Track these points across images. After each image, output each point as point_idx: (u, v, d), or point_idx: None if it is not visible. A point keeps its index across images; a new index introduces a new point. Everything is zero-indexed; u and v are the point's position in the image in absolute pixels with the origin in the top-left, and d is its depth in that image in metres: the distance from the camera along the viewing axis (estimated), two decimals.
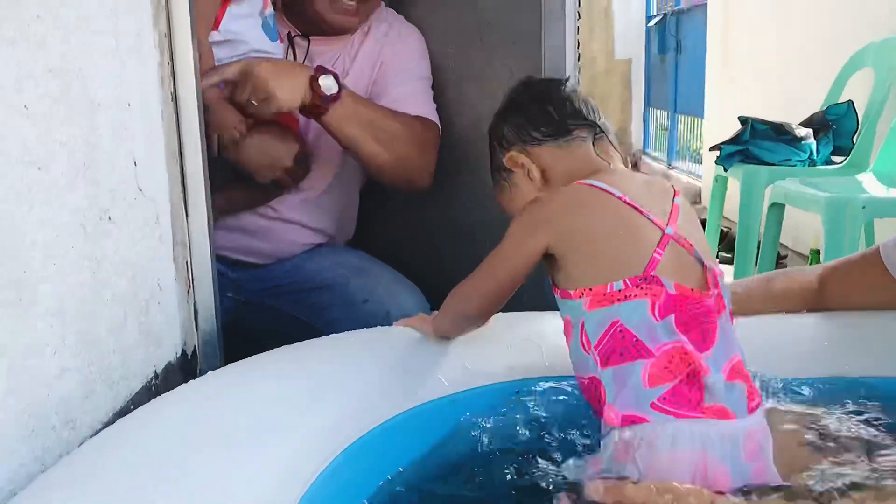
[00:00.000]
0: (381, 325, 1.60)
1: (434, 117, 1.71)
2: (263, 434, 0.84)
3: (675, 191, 1.09)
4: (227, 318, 1.53)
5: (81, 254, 0.94)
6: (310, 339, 1.69)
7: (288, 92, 1.47)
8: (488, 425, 1.10)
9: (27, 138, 0.83)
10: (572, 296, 1.01)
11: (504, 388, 1.15)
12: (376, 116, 1.58)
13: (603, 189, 1.04)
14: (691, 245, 1.02)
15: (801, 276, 1.36)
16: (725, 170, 2.90)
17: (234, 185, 1.62)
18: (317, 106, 1.51)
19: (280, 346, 1.69)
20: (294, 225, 1.74)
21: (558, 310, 1.06)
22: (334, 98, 1.50)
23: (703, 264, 1.02)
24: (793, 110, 3.20)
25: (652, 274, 0.98)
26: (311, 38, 1.66)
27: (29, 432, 0.83)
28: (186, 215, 1.24)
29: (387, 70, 1.71)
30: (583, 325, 1.01)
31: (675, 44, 6.09)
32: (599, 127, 1.12)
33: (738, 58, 4.48)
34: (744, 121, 2.92)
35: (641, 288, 0.97)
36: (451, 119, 1.76)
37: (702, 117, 5.34)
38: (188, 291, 1.25)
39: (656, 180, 1.14)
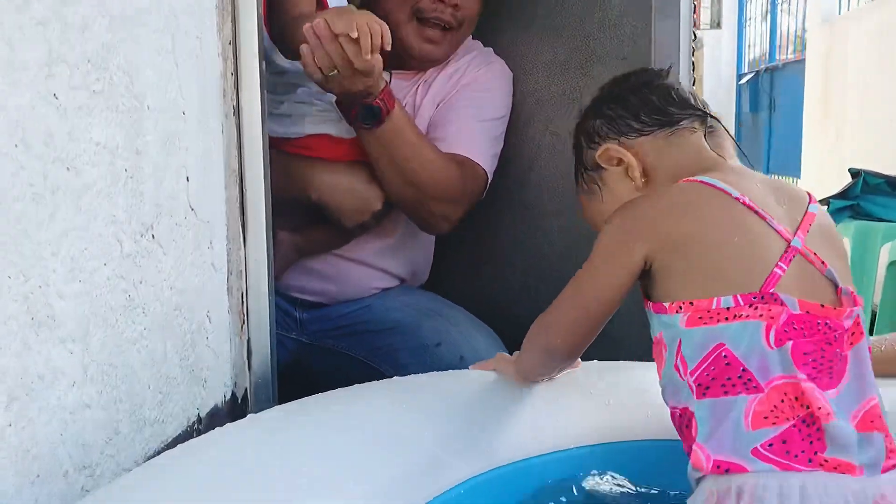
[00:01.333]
0: (455, 369, 1.46)
1: (485, 163, 1.55)
2: (306, 496, 0.68)
3: (810, 197, 0.91)
4: (286, 360, 1.41)
5: (116, 272, 0.82)
6: None
7: (340, 93, 1.35)
8: (576, 496, 0.92)
9: (55, 132, 0.72)
10: (668, 309, 0.85)
11: (596, 452, 0.97)
12: (412, 156, 1.44)
13: (717, 188, 0.87)
14: (823, 262, 0.84)
15: None
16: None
17: (315, 225, 1.51)
18: (347, 115, 1.41)
19: None
20: (367, 267, 1.61)
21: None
22: (366, 128, 1.38)
23: (837, 286, 0.84)
24: None
25: (771, 291, 0.81)
26: (392, 71, 1.54)
27: (33, 477, 0.70)
28: (244, 243, 1.12)
29: (452, 103, 1.59)
30: (679, 346, 0.84)
31: (768, 101, 5.87)
32: (712, 115, 0.96)
33: (842, 113, 4.23)
34: (855, 173, 2.69)
35: (755, 307, 0.81)
36: (542, 150, 1.61)
37: (797, 176, 5.08)
38: (242, 327, 1.13)
39: (786, 184, 0.97)
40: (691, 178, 0.89)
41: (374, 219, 1.50)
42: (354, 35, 1.21)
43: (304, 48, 1.24)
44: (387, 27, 1.24)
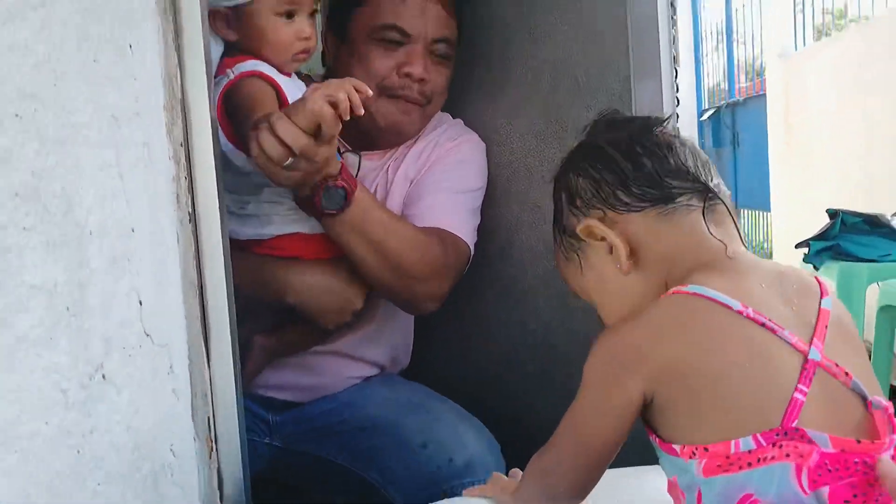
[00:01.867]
0: (445, 474, 1.35)
1: (467, 236, 1.46)
2: None
3: (821, 287, 0.81)
4: (259, 468, 1.29)
5: (61, 428, 0.72)
6: (360, 491, 1.43)
7: (295, 185, 1.23)
8: None
9: None
10: (679, 454, 0.75)
11: None
12: (388, 235, 1.33)
13: (715, 301, 0.75)
14: (848, 374, 0.74)
15: None
16: (816, 268, 2.62)
17: (289, 326, 1.41)
18: (313, 209, 1.28)
19: (326, 500, 1.43)
20: (344, 358, 1.51)
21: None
22: (332, 213, 1.27)
23: (865, 399, 0.74)
24: (876, 199, 2.94)
25: (794, 426, 0.70)
26: (361, 153, 1.44)
27: None
28: (208, 361, 1.01)
29: (426, 178, 1.50)
30: (699, 496, 0.74)
31: (731, 136, 5.89)
32: (712, 190, 0.83)
33: (807, 146, 4.24)
34: (833, 213, 2.65)
35: (780, 446, 0.70)
36: (521, 223, 1.53)
37: (767, 210, 5.08)
38: (210, 454, 1.02)
39: (791, 272, 0.83)
40: (683, 290, 0.77)
41: (355, 317, 1.41)
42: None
43: (252, 144, 1.14)
44: (361, 85, 1.15)
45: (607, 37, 1.32)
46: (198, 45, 0.99)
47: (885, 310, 2.25)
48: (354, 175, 1.31)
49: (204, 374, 1.01)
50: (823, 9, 4.37)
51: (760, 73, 5.16)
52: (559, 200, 0.91)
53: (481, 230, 1.51)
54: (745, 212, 5.75)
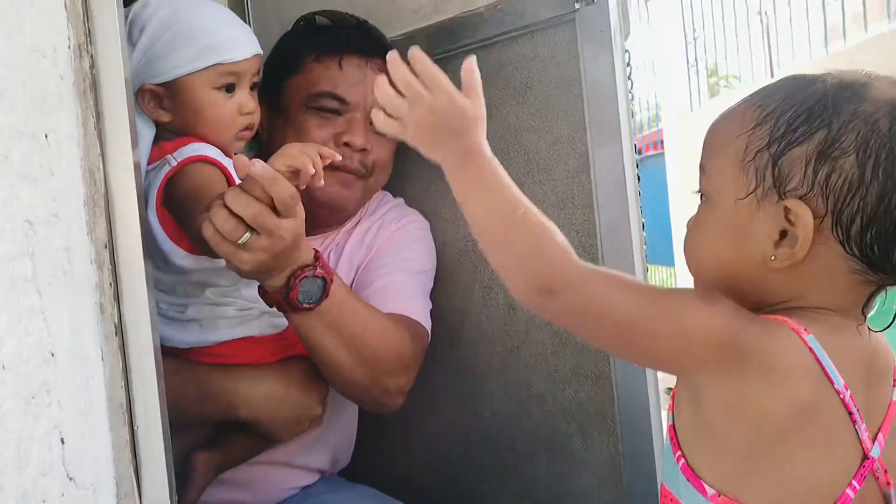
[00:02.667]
0: None
1: (425, 321, 1.35)
2: None
3: (895, 373, 0.76)
4: None
5: None
6: None
7: (262, 275, 1.06)
8: None
9: None
10: (707, 496, 0.70)
11: None
12: (363, 328, 1.19)
13: (825, 371, 0.68)
14: (889, 482, 0.70)
15: None
16: None
17: (232, 436, 1.24)
18: (279, 303, 1.10)
19: None
20: (286, 468, 1.35)
21: None
22: (307, 308, 1.11)
23: None
24: None
25: None
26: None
27: None
28: (140, 496, 0.86)
29: (377, 257, 1.39)
30: None
31: None
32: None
33: None
34: None
35: None
36: (472, 304, 1.44)
37: (672, 265, 5.18)
38: None
39: (883, 352, 0.76)
40: (802, 333, 0.69)
41: (312, 425, 1.26)
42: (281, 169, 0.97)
43: (204, 224, 0.99)
44: (327, 151, 1.02)
45: (560, 112, 1.26)
46: (124, 129, 0.86)
47: None
48: None
49: None
50: (707, 69, 4.56)
51: (659, 141, 5.31)
52: (752, 156, 0.74)
53: (431, 314, 1.40)
54: (652, 267, 5.87)
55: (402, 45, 1.46)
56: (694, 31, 4.62)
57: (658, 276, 5.78)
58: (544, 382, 1.35)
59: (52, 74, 0.78)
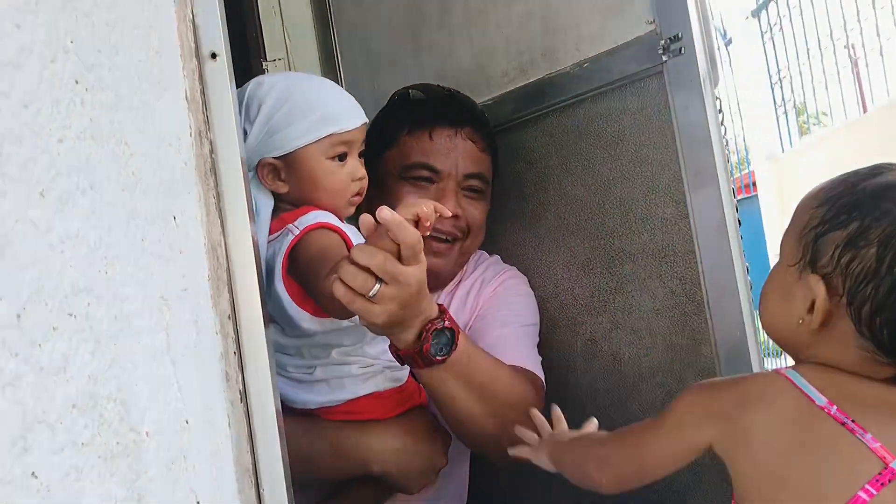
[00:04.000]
0: None
1: (540, 373, 1.38)
2: None
3: None
4: None
5: None
6: None
7: (395, 328, 1.09)
8: None
9: None
10: None
11: None
12: (489, 377, 1.22)
13: (804, 393, 0.81)
14: None
15: None
16: None
17: (353, 488, 1.27)
18: (412, 357, 1.14)
19: None
20: None
21: None
22: (441, 360, 1.14)
23: None
24: None
25: None
26: None
27: None
28: None
29: (485, 313, 1.42)
30: None
31: None
32: None
33: None
34: None
35: None
36: (576, 358, 1.44)
37: None
38: None
39: None
40: (783, 371, 0.84)
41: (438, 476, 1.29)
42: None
43: (334, 284, 1.02)
44: (440, 206, 1.06)
45: (654, 162, 1.27)
46: (241, 208, 0.92)
47: None
48: None
49: None
50: (795, 106, 4.47)
51: (749, 176, 5.21)
52: (831, 229, 0.84)
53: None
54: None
55: (492, 110, 1.51)
56: (779, 70, 4.56)
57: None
58: None
59: (177, 161, 0.84)
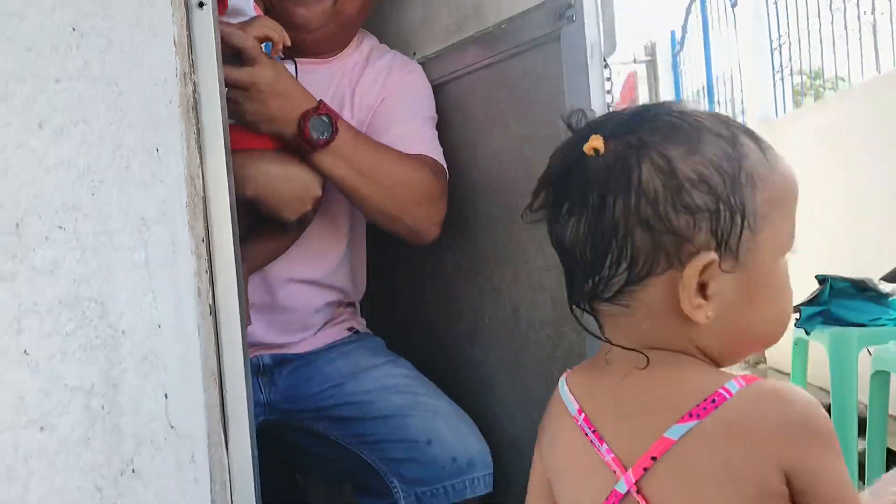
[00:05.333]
0: (448, 472, 1.41)
1: (442, 160, 1.52)
2: None
3: (694, 407, 0.65)
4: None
5: None
6: (363, 470, 1.46)
7: (274, 124, 1.32)
8: None
9: (27, 391, 0.65)
10: None
11: None
12: (378, 160, 1.40)
13: (562, 400, 0.74)
14: None
15: None
16: (807, 332, 2.66)
17: (251, 236, 1.41)
18: (302, 145, 1.34)
19: (327, 472, 1.54)
20: (310, 286, 1.54)
21: None
22: (324, 143, 1.33)
23: None
24: (864, 264, 3.01)
25: None
26: (297, 60, 1.42)
27: None
28: (227, 449, 1.04)
29: (391, 105, 1.54)
30: None
31: None
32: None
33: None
34: (822, 279, 2.70)
35: None
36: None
37: None
38: None
39: (669, 380, 0.68)
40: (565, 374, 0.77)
41: (313, 210, 1.41)
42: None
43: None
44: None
45: (553, 126, 1.35)
46: (219, 143, 1.03)
47: (878, 375, 2.27)
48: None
49: (223, 461, 1.03)
50: (801, 70, 4.49)
51: None
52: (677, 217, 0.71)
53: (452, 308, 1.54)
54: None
55: (434, 64, 1.62)
56: (780, 36, 4.59)
57: None
58: (539, 383, 1.44)
59: (162, 99, 0.95)
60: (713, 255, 0.65)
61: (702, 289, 0.66)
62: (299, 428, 1.54)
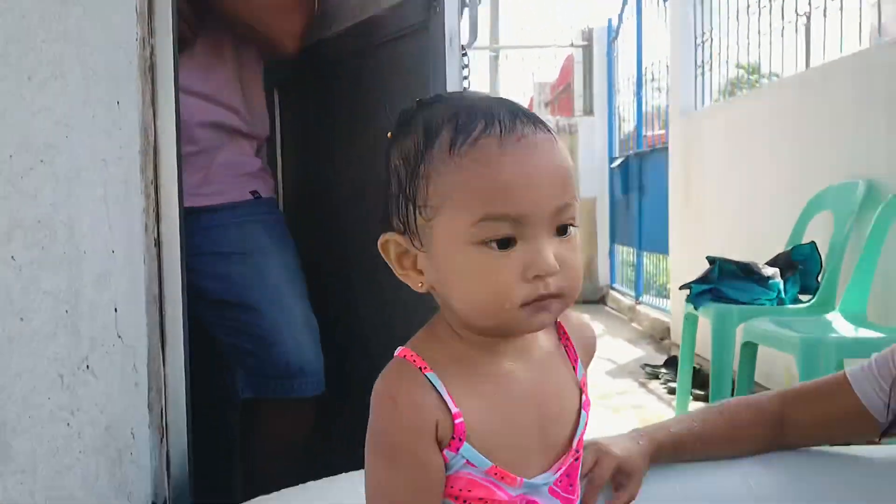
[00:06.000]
0: (279, 374, 1.60)
1: None
2: None
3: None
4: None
5: (57, 404, 0.92)
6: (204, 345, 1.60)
7: None
8: None
9: (12, 288, 0.83)
10: None
11: None
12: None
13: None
14: None
15: (759, 404, 1.18)
16: (696, 308, 2.94)
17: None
18: None
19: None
20: (196, 98, 1.62)
21: None
22: None
23: None
24: (756, 249, 3.29)
25: None
26: None
27: None
28: (164, 362, 1.22)
29: None
30: None
31: (637, 184, 6.30)
32: None
33: (701, 199, 4.64)
34: (712, 261, 2.98)
35: None
36: None
37: (667, 254, 5.46)
38: (161, 440, 1.22)
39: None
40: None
41: (190, 29, 1.55)
42: None
43: None
44: None
45: None
46: (171, 100, 1.20)
47: (746, 346, 2.56)
48: None
49: (160, 372, 1.21)
50: (738, 63, 4.73)
51: (666, 127, 5.56)
52: None
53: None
54: (648, 254, 6.15)
55: (338, 40, 1.76)
56: (703, 33, 4.86)
57: (653, 261, 6.07)
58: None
59: (125, 60, 1.12)
60: (395, 235, 0.75)
61: (413, 262, 0.75)
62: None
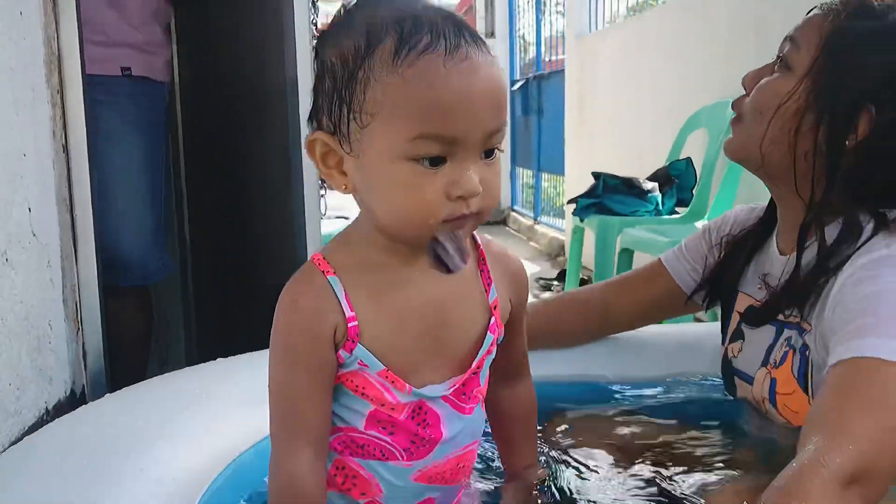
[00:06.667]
0: (106, 265, 1.55)
1: None
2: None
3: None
4: None
5: None
6: None
7: None
8: None
9: None
10: None
11: None
12: None
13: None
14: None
15: (586, 297, 1.32)
16: (582, 221, 3.15)
17: None
18: None
19: None
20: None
21: None
22: None
23: None
24: (640, 166, 3.51)
25: None
26: None
27: None
28: (76, 260, 1.30)
29: None
30: None
31: (536, 107, 6.47)
32: None
33: (594, 119, 4.84)
34: (597, 176, 3.18)
35: None
36: None
37: (563, 174, 5.69)
38: (77, 333, 1.31)
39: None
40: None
41: None
42: None
43: None
44: None
45: None
46: (72, 12, 1.26)
47: (623, 252, 2.79)
48: None
49: (73, 270, 1.30)
50: None
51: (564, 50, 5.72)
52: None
53: None
54: (546, 175, 6.37)
55: None
56: None
57: (551, 182, 6.30)
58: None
59: None
60: (323, 135, 0.75)
61: (339, 163, 0.76)
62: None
